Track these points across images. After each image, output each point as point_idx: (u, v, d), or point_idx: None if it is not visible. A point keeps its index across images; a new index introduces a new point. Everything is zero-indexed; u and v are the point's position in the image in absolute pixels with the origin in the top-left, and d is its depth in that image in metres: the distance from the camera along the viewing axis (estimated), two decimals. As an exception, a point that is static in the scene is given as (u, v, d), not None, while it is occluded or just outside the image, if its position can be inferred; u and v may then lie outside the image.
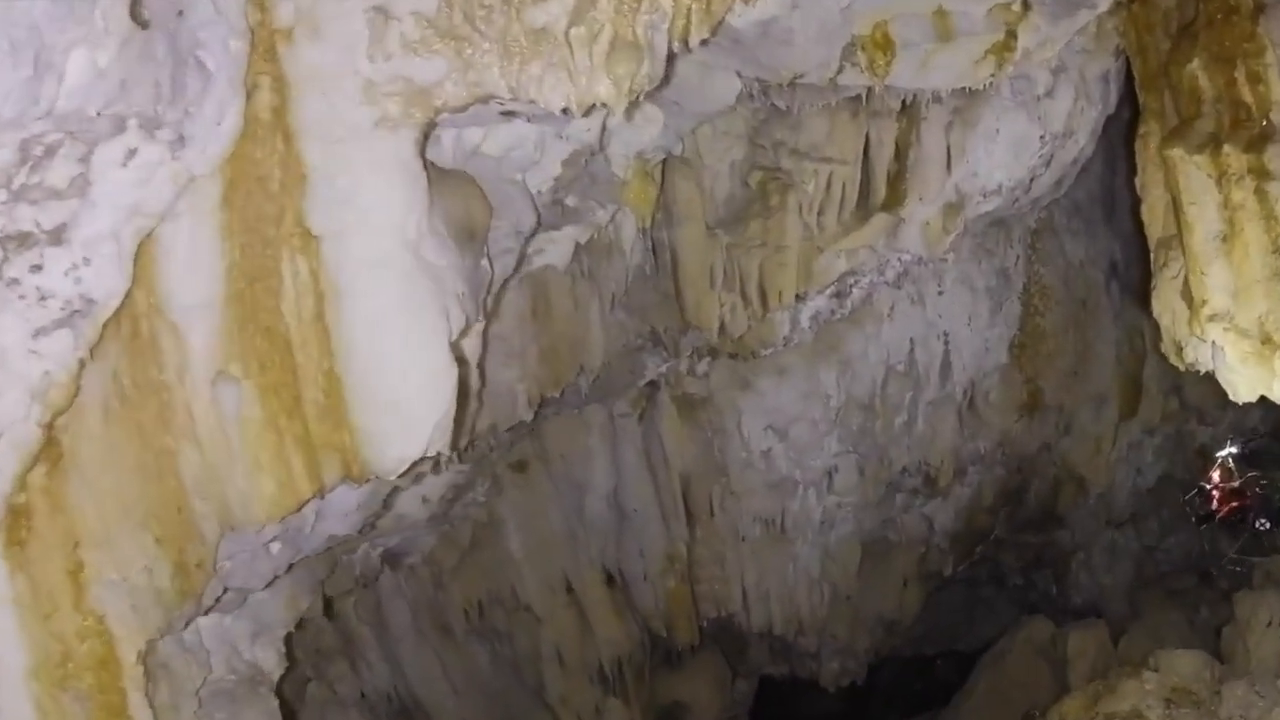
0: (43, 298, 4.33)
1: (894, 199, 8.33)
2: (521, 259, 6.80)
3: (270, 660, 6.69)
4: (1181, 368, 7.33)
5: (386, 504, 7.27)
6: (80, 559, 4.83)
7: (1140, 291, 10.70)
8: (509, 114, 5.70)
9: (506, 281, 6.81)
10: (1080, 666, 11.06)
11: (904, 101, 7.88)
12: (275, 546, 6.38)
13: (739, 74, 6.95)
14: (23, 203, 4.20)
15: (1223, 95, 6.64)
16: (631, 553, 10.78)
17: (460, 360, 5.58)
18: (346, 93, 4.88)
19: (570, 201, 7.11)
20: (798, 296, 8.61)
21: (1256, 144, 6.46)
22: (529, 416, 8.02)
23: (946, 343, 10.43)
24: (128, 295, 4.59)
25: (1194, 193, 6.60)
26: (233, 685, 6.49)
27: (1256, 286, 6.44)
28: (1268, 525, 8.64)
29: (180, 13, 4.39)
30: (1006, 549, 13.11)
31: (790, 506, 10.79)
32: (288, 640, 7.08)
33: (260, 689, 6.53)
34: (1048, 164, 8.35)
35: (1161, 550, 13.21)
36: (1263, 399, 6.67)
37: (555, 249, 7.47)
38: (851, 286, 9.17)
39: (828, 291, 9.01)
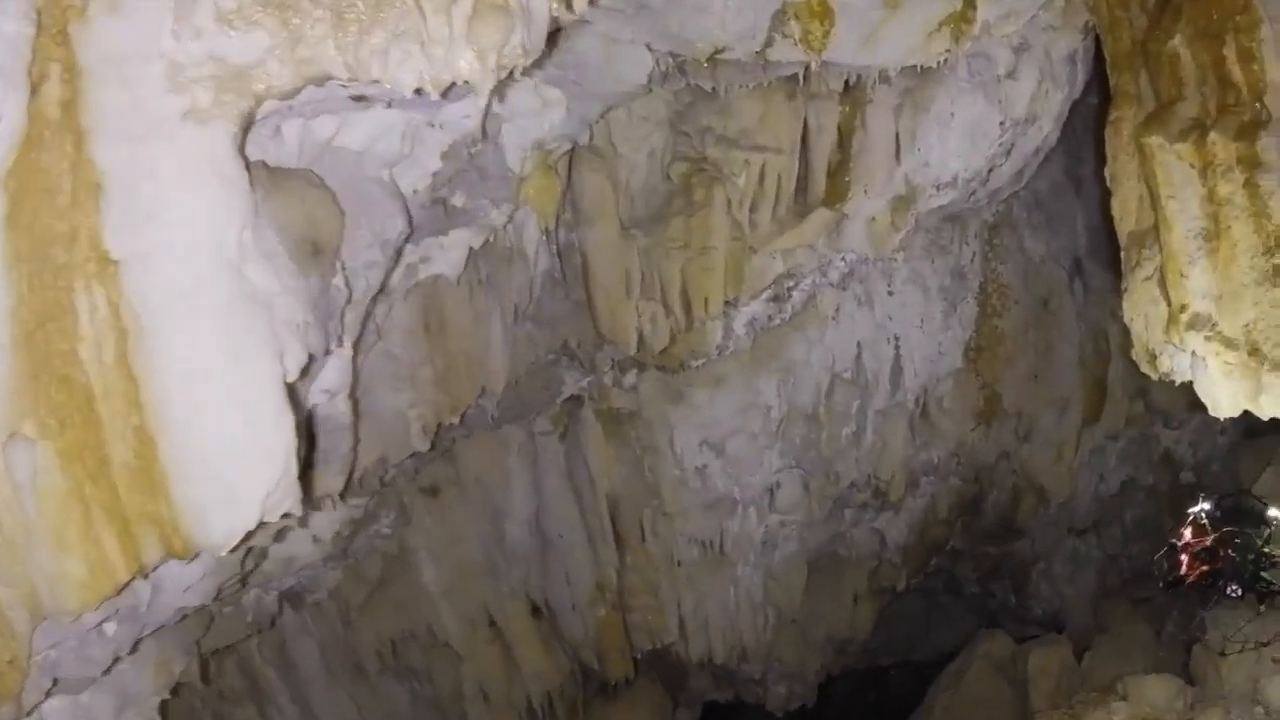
0: None
1: (836, 192, 7.77)
2: (389, 273, 5.77)
3: (143, 735, 5.98)
4: (1154, 377, 6.82)
5: (258, 557, 6.72)
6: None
7: (1104, 290, 10.64)
8: (360, 99, 4.65)
9: (376, 299, 5.80)
10: (1043, 685, 10.76)
11: (847, 82, 7.29)
12: (110, 628, 5.66)
13: (649, 48, 6.09)
14: None
15: (1208, 75, 6.09)
16: (557, 581, 10.17)
17: (301, 404, 4.61)
18: (149, 80, 4.19)
19: (457, 201, 6.25)
20: (727, 303, 7.98)
21: (1247, 131, 5.87)
22: (425, 446, 7.44)
23: (897, 347, 9.95)
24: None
25: (1174, 185, 6.08)
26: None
27: (1244, 292, 5.92)
28: (1239, 592, 8.13)
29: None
30: (963, 560, 12.71)
31: (729, 527, 10.19)
32: (163, 709, 6.60)
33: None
34: (1008, 153, 7.86)
35: (1125, 558, 12.80)
36: (1234, 404, 6.11)
37: (445, 256, 6.62)
38: (790, 290, 8.59)
39: (763, 296, 8.41)
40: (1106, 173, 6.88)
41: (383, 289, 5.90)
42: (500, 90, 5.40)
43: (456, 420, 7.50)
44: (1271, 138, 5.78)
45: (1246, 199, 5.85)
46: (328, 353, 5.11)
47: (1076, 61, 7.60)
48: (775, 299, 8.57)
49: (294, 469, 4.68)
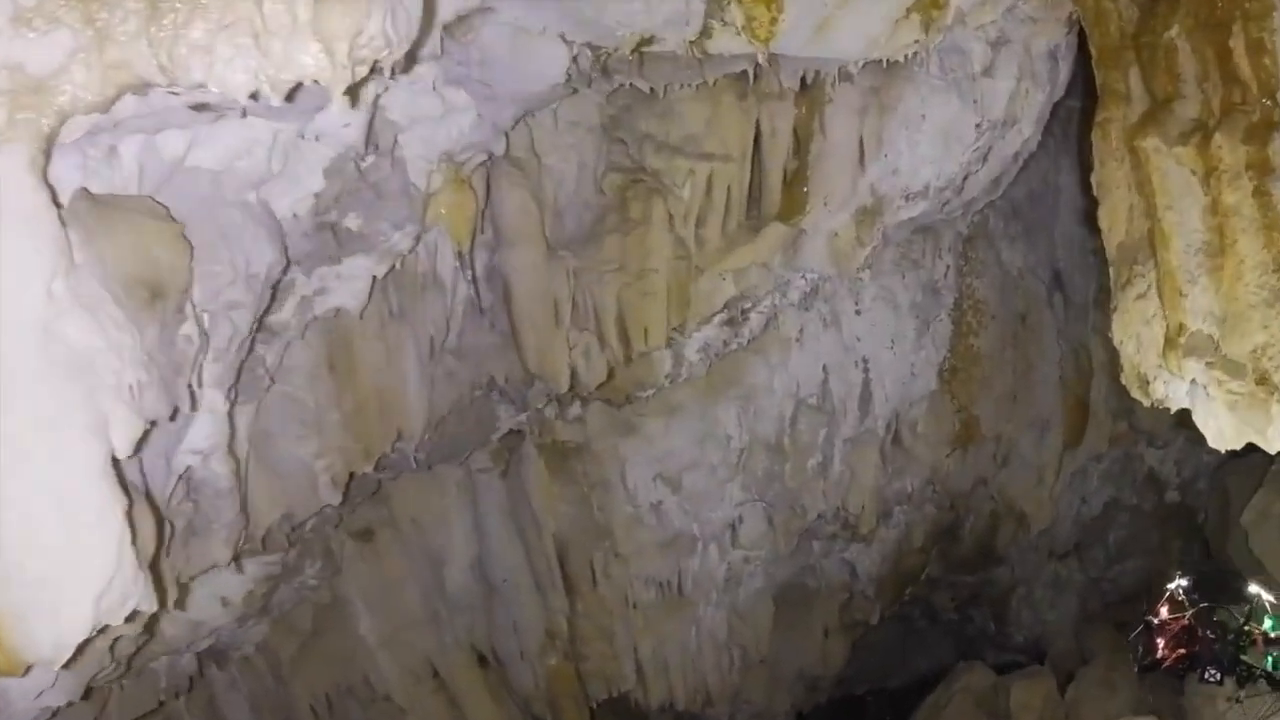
0: None
1: (792, 205, 7.33)
2: (262, 313, 4.93)
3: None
4: (1146, 403, 6.46)
5: (138, 640, 6.02)
6: None
7: (1085, 304, 10.61)
8: (202, 108, 3.80)
9: (252, 342, 4.94)
10: (1026, 721, 10.37)
11: (804, 79, 6.81)
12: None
13: (564, 39, 5.35)
14: None
15: (1211, 70, 5.63)
16: (504, 629, 9.78)
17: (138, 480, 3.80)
18: (-72, 97, 3.40)
19: (351, 224, 5.50)
20: (675, 331, 7.45)
21: (1257, 132, 5.40)
22: (336, 499, 6.92)
23: (866, 370, 9.61)
24: None
25: (1172, 194, 5.70)
26: None
27: (1251, 313, 5.52)
28: (1218, 677, 7.93)
29: None
30: (940, 588, 12.51)
31: (688, 565, 9.80)
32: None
33: None
34: (984, 158, 7.49)
35: (1108, 580, 12.75)
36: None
37: (344, 287, 5.87)
38: (746, 311, 8.16)
39: (716, 320, 7.92)
40: (1093, 180, 6.49)
41: (259, 330, 5.06)
42: (369, 91, 4.54)
43: (370, 469, 6.82)
44: (1286, 139, 5.26)
45: (1256, 209, 5.42)
46: (177, 414, 4.20)
47: (1058, 58, 7.26)
48: (729, 322, 8.10)
49: (130, 562, 3.91)
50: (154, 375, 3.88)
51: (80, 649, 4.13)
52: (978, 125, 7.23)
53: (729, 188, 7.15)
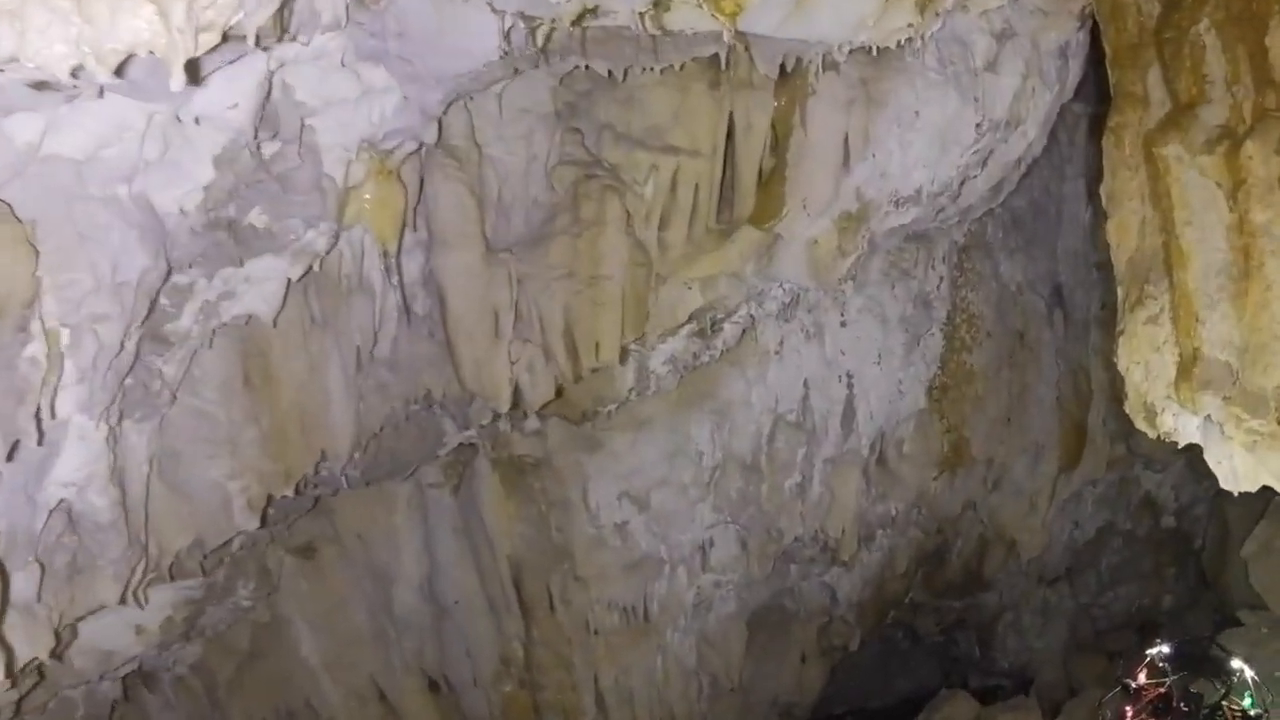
0: None
1: (768, 207, 6.91)
2: (135, 325, 4.28)
3: None
4: (1152, 435, 6.30)
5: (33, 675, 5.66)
6: None
7: (1087, 322, 10.33)
8: (43, 86, 3.12)
9: (131, 358, 4.30)
10: (1011, 756, 10.26)
11: (784, 67, 6.34)
12: None
13: (493, 8, 4.74)
14: None
15: (1243, 71, 5.33)
16: (457, 654, 9.35)
17: None
18: None
19: (256, 221, 4.91)
20: (636, 344, 6.96)
21: None
22: (253, 524, 6.35)
23: (850, 386, 9.29)
24: None
25: (1194, 208, 5.46)
26: None
27: (1277, 345, 5.27)
28: None
29: None
30: (924, 613, 12.18)
31: (655, 590, 9.34)
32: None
33: None
34: (984, 162, 7.14)
35: (1099, 606, 12.60)
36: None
37: (254, 291, 5.25)
38: (718, 323, 7.69)
39: (683, 331, 7.43)
40: (1102, 191, 6.26)
41: (152, 340, 4.42)
42: (257, 66, 3.87)
43: (290, 492, 6.21)
44: (1327, 150, 5.10)
45: (1290, 228, 5.12)
46: (17, 450, 3.55)
47: (1069, 55, 6.96)
48: (699, 333, 7.68)
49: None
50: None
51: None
52: (978, 125, 6.91)
53: (696, 186, 6.71)
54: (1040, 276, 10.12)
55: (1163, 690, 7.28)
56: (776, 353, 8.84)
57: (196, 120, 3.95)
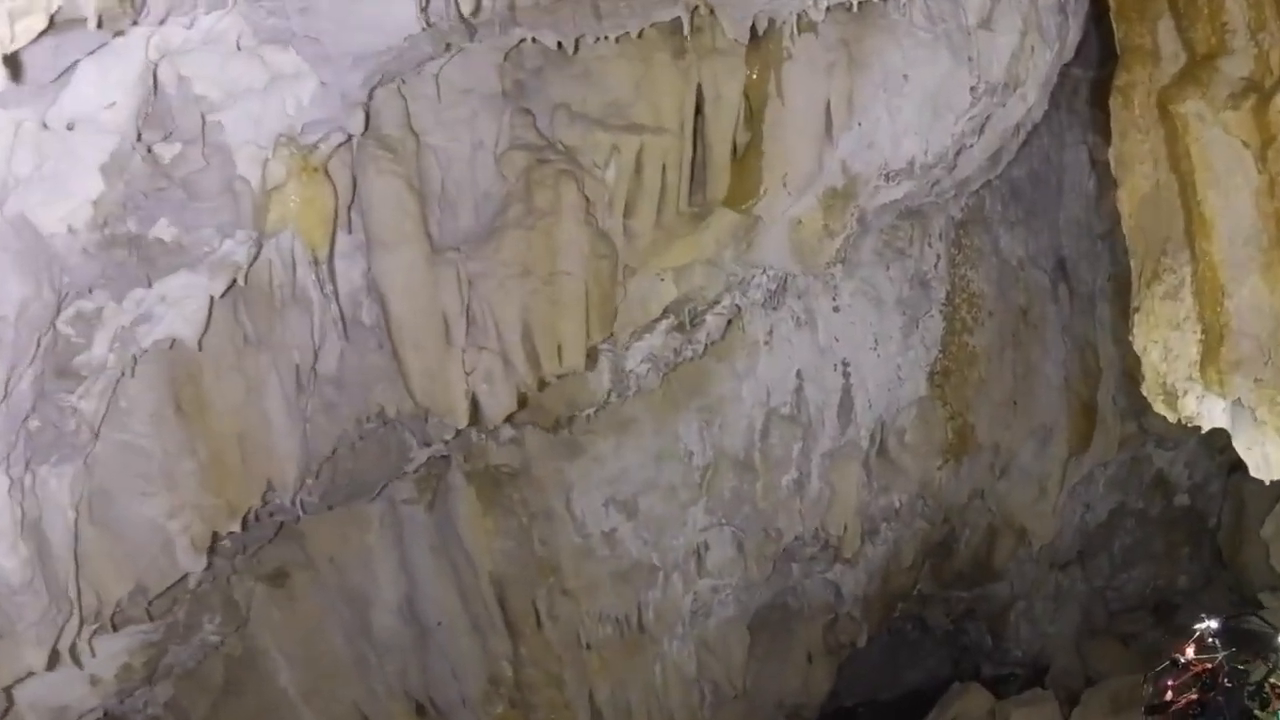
0: None
1: (744, 187, 6.62)
2: (24, 365, 3.80)
3: None
4: (1172, 419, 6.15)
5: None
6: None
7: (1092, 296, 10.16)
8: None
9: (28, 401, 3.86)
10: (1027, 753, 10.10)
11: (755, 29, 6.02)
12: None
13: None
14: None
15: (1269, 18, 5.18)
16: (442, 676, 9.17)
17: None
18: None
19: (162, 234, 4.43)
20: (606, 344, 6.61)
21: None
22: (199, 566, 5.98)
23: (846, 374, 9.19)
24: None
25: (1217, 170, 5.31)
26: None
27: None
28: None
29: None
30: (933, 604, 11.96)
31: (648, 598, 9.25)
32: None
33: None
34: (980, 129, 6.86)
35: (1113, 589, 12.44)
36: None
37: (173, 312, 4.82)
38: (698, 315, 7.35)
39: (662, 325, 7.11)
40: (1110, 155, 6.07)
41: (58, 376, 3.96)
42: (134, 54, 3.35)
43: (236, 528, 5.82)
44: (1366, 104, 5.11)
45: (1325, 191, 5.04)
46: None
47: (1068, 11, 6.73)
48: (679, 328, 7.36)
49: None
50: None
51: None
52: (973, 88, 6.61)
53: (664, 167, 6.32)
54: (1043, 250, 9.99)
55: (1210, 666, 7.25)
56: (766, 343, 8.74)
57: (70, 125, 3.48)
